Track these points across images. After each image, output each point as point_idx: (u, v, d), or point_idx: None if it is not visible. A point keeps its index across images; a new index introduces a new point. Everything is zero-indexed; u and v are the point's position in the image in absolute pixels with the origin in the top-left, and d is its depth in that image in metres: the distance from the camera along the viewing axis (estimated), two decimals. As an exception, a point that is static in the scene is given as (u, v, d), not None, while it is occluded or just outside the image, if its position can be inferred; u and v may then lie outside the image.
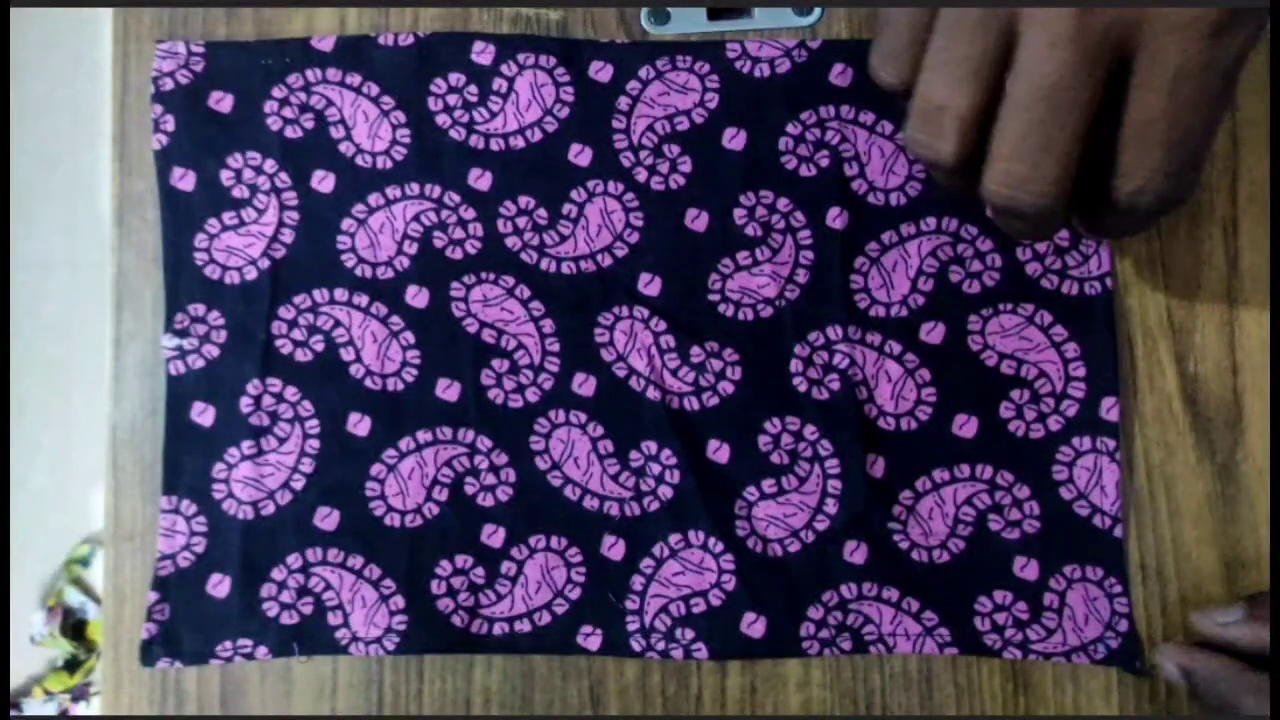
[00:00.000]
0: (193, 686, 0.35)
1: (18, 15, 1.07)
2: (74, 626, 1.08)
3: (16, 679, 1.14)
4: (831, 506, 0.34)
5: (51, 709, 1.09)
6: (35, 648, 1.12)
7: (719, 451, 0.35)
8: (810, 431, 0.34)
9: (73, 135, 1.05)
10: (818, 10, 0.35)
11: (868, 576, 0.34)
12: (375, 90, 0.35)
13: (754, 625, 0.34)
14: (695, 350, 0.35)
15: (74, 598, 1.08)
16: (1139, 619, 0.33)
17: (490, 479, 0.35)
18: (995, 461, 0.34)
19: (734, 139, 0.35)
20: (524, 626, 0.34)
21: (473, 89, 0.36)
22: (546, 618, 0.34)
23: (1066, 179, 0.24)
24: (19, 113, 1.08)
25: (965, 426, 0.34)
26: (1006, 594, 0.34)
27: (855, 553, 0.34)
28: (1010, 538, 0.34)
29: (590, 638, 0.34)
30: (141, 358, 0.36)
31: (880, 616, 0.34)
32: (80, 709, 1.07)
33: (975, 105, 0.24)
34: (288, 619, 0.34)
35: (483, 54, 0.36)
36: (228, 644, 0.34)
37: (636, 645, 0.34)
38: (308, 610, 0.34)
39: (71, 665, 1.09)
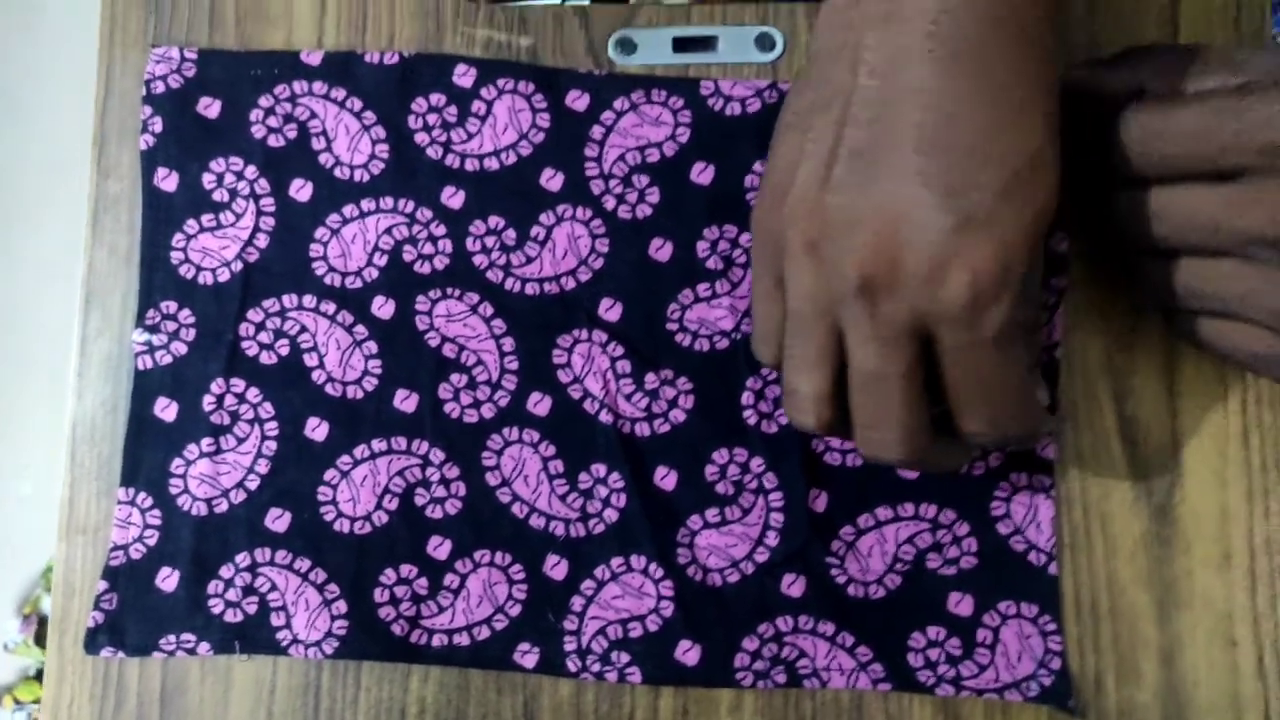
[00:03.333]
0: (134, 682, 0.35)
1: (35, 24, 1.10)
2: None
3: (-12, 686, 1.14)
4: (772, 539, 0.34)
5: (21, 718, 1.08)
6: (8, 655, 1.12)
7: (666, 478, 0.35)
8: (756, 464, 0.35)
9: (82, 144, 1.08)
10: (779, 47, 0.36)
11: (804, 609, 0.34)
12: (358, 105, 0.37)
13: (689, 653, 0.34)
14: (650, 377, 0.35)
15: (50, 606, 1.08)
16: (1071, 656, 0.34)
17: (440, 491, 0.35)
18: (940, 499, 0.34)
19: (702, 173, 0.36)
20: (462, 640, 0.35)
21: (452, 109, 0.37)
22: (485, 633, 0.35)
23: (918, 435, 0.27)
24: (27, 122, 1.10)
25: None
26: (940, 629, 0.34)
27: (793, 585, 0.34)
28: (946, 574, 0.34)
29: (527, 655, 0.34)
30: (107, 355, 0.36)
31: (815, 650, 0.34)
32: (49, 720, 1.06)
33: (822, 390, 0.28)
34: (231, 617, 0.35)
35: (464, 76, 0.37)
36: (171, 638, 0.35)
37: (572, 666, 0.34)
38: (252, 610, 0.35)
39: (43, 675, 1.08)
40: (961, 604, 0.34)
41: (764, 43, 0.37)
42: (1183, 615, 0.33)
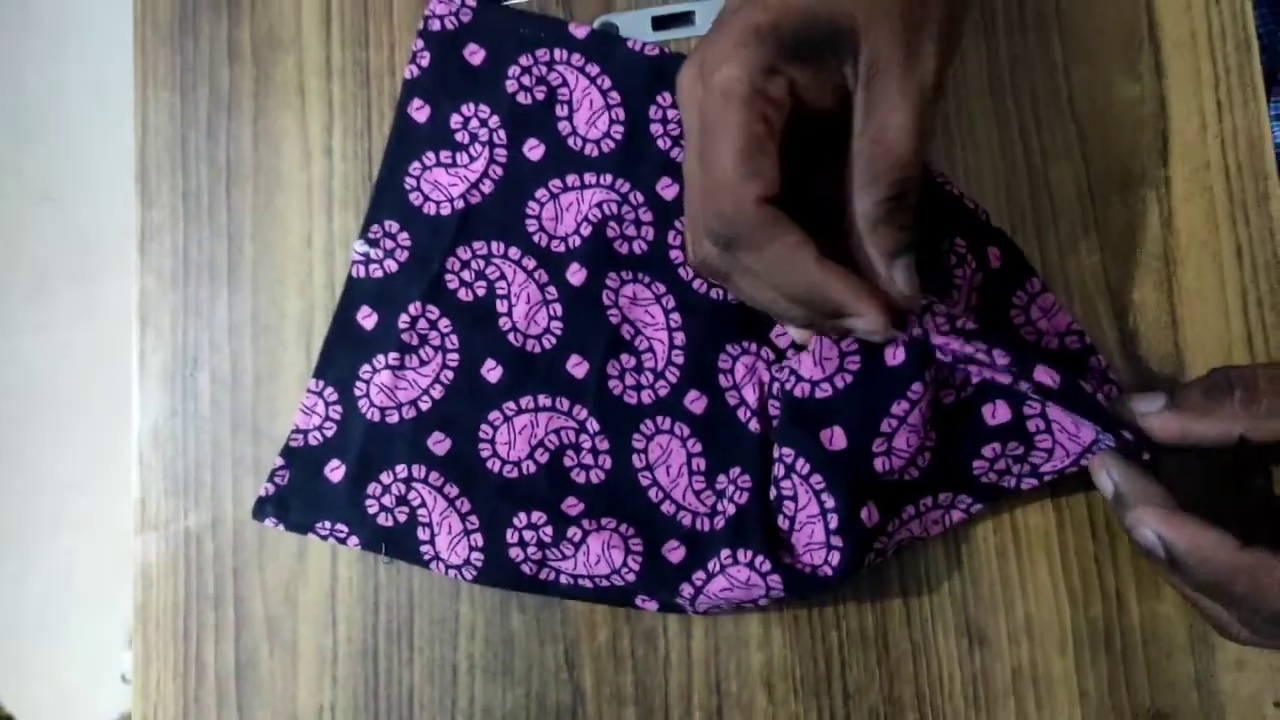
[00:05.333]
0: (210, 658, 0.38)
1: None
2: (161, 663, 1.14)
3: (109, 716, 1.21)
4: (833, 521, 0.33)
5: (142, 744, 1.14)
6: (126, 686, 1.19)
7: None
8: (801, 465, 0.34)
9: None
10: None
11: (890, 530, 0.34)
12: (607, 84, 0.38)
13: None
14: None
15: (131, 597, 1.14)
16: (1091, 574, 0.34)
17: (588, 459, 0.37)
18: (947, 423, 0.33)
19: None
20: (586, 583, 0.36)
21: None
22: (605, 583, 0.36)
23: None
24: (100, 161, 1.18)
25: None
26: (993, 445, 0.33)
27: (869, 514, 0.33)
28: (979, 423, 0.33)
29: (647, 602, 0.36)
30: (162, 366, 0.40)
31: (905, 532, 0.34)
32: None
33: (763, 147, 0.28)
34: (384, 521, 0.37)
35: None
36: (327, 524, 0.37)
37: (691, 612, 0.36)
38: (402, 518, 0.37)
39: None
40: (997, 412, 0.33)
41: (738, 11, 0.38)
42: (1199, 521, 0.34)
